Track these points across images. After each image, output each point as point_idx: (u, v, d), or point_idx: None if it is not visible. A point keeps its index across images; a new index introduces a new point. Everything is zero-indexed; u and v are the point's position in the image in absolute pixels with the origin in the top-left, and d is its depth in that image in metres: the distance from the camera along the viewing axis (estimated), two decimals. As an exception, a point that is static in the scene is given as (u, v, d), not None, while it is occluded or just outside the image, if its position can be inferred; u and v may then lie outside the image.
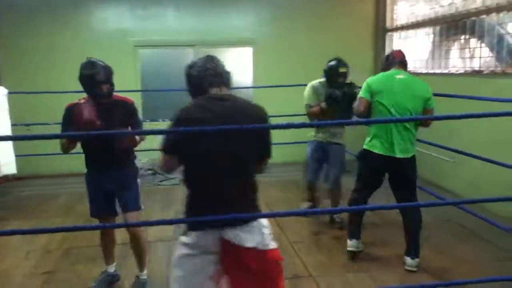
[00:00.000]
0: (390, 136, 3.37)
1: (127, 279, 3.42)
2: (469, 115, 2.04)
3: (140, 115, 3.25)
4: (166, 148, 2.02)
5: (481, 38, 5.14)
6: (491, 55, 5.01)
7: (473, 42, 5.32)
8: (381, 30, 7.21)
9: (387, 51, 7.15)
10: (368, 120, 3.52)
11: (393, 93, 3.38)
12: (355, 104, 3.60)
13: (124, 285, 3.37)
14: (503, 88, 4.48)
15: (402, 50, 3.68)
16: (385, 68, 3.61)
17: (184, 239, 2.00)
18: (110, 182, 3.07)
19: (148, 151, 6.37)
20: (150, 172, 6.29)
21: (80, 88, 6.27)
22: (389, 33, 7.14)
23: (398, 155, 3.38)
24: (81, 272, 3.56)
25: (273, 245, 1.99)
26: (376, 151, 3.44)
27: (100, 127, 2.83)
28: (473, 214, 4.01)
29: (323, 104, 4.12)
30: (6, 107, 5.42)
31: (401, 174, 3.48)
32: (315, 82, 4.34)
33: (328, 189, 4.51)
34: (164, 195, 5.66)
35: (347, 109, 3.96)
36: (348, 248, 3.72)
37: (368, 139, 3.54)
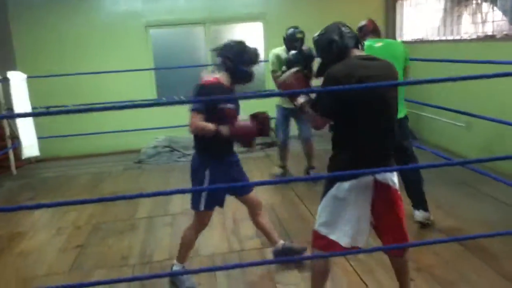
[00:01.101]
0: None
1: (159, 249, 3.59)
2: (461, 77, 2.16)
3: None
4: (325, 112, 2.26)
5: (493, 2, 5.11)
6: (504, 19, 4.99)
7: (485, 6, 5.29)
8: (391, -1, 7.17)
9: (398, 19, 7.14)
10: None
11: None
12: None
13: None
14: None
15: (373, 20, 3.89)
16: (360, 38, 3.77)
17: (337, 190, 2.25)
18: (234, 167, 2.96)
19: (165, 129, 6.57)
20: (167, 149, 6.42)
21: (96, 69, 6.44)
22: (400, 2, 7.10)
23: None
24: (112, 245, 3.73)
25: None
26: None
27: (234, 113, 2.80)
28: (482, 174, 4.10)
29: (284, 68, 4.43)
30: (26, 91, 5.58)
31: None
32: (277, 49, 4.85)
33: (302, 145, 5.10)
34: (183, 171, 5.78)
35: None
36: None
37: None
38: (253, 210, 3.12)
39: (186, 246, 3.00)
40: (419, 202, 3.68)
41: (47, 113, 2.15)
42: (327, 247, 2.29)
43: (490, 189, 4.30)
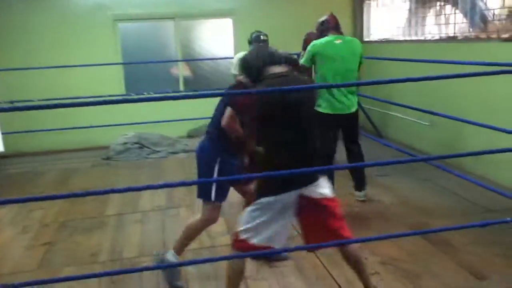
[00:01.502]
0: (337, 97, 3.88)
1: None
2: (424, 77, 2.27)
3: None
4: (252, 132, 2.39)
5: (455, 4, 5.30)
6: (465, 21, 5.19)
7: (448, 8, 5.48)
8: (358, -1, 7.32)
9: (365, 19, 7.30)
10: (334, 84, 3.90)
11: (341, 59, 3.84)
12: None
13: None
14: (476, 53, 4.67)
15: (335, 15, 4.12)
16: (321, 32, 4.02)
17: (263, 200, 2.31)
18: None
19: (135, 125, 6.51)
20: (137, 145, 6.36)
21: (62, 63, 6.32)
22: (367, 2, 7.25)
23: (345, 111, 3.93)
24: (80, 242, 3.69)
25: (332, 194, 2.43)
26: (326, 111, 3.91)
27: None
28: (445, 170, 4.29)
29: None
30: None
31: (348, 126, 4.06)
32: (241, 53, 4.83)
33: None
34: (152, 168, 5.77)
35: None
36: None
37: (319, 101, 4.00)
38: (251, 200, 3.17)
39: (189, 237, 2.94)
40: (361, 184, 4.23)
41: (14, 108, 2.11)
42: (246, 250, 2.37)
43: (451, 184, 4.48)
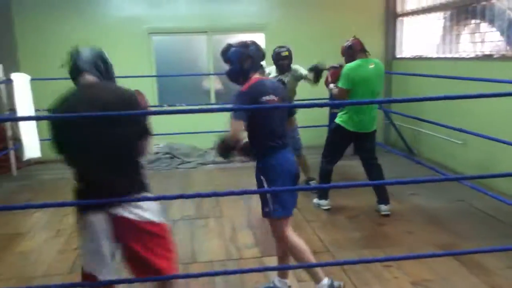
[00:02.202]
0: (364, 115, 4.12)
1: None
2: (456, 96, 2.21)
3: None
4: None
5: (491, 22, 5.22)
6: (501, 39, 5.11)
7: (484, 26, 5.40)
8: (391, 15, 7.28)
9: (398, 35, 7.26)
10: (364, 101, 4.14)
11: (370, 82, 4.09)
12: (334, 92, 4.31)
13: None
14: (513, 72, 4.59)
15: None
16: (350, 56, 4.20)
17: (79, 221, 2.20)
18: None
19: (166, 135, 6.62)
20: (168, 155, 6.47)
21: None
22: (400, 18, 7.22)
23: (369, 129, 4.21)
24: (111, 248, 3.76)
25: (158, 219, 2.24)
26: (349, 128, 4.16)
27: None
28: (478, 190, 4.20)
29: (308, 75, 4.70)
30: (29, 93, 5.63)
31: (368, 143, 4.29)
32: (268, 68, 4.93)
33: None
34: (182, 178, 5.85)
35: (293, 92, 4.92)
36: (326, 207, 4.46)
37: (341, 114, 4.23)
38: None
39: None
40: (384, 198, 4.28)
41: (50, 117, 2.21)
42: (84, 279, 2.23)
43: (485, 205, 4.37)
